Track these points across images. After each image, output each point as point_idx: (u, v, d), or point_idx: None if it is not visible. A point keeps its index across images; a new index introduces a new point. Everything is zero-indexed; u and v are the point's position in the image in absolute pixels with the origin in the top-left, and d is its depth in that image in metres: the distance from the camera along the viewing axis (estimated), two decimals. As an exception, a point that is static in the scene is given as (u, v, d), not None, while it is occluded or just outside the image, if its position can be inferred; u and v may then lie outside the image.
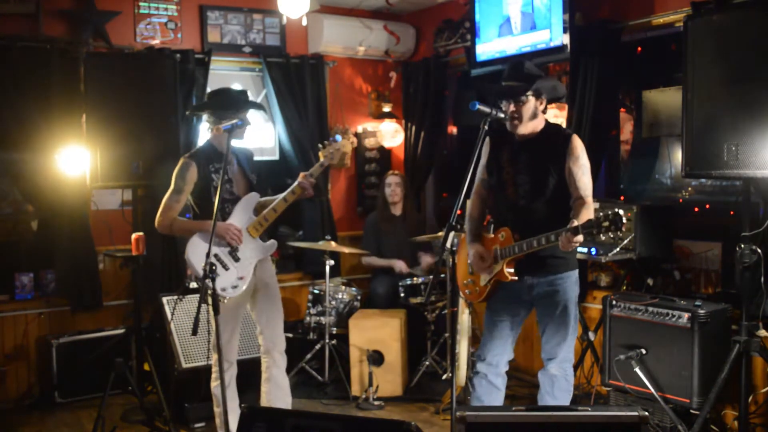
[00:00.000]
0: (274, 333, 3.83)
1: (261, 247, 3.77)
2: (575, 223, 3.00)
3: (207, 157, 3.71)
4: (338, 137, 3.84)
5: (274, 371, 3.83)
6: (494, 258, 3.40)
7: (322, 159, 3.79)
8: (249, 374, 4.16)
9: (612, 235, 2.95)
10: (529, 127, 3.33)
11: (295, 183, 3.73)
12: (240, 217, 3.73)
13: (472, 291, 3.56)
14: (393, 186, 5.63)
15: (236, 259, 3.69)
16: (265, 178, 4.99)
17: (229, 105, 3.69)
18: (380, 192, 5.77)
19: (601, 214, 2.94)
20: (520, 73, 3.31)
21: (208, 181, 3.68)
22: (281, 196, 3.75)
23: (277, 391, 3.83)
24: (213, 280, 3.21)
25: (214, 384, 3.76)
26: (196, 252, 3.60)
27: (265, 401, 3.84)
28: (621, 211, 2.90)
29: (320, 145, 3.85)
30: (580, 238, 2.99)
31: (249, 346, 4.57)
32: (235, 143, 3.70)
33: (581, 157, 3.29)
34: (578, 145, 3.31)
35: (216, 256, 3.63)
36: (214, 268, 3.23)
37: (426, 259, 5.52)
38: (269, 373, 3.84)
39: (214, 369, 3.78)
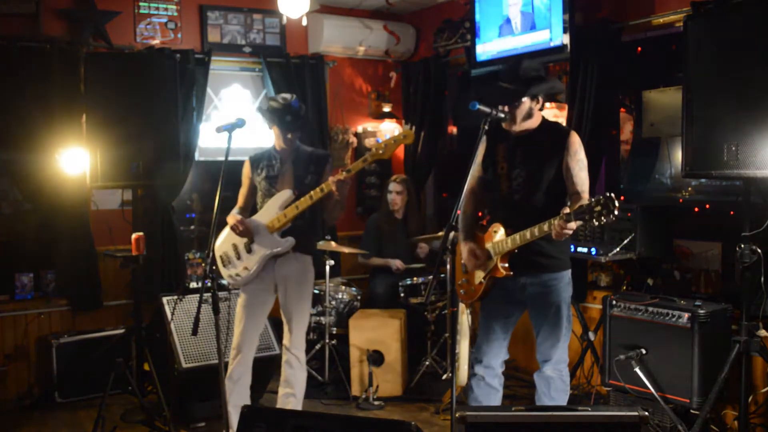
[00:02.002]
0: (290, 331, 3.93)
1: (274, 242, 3.83)
2: (567, 210, 2.98)
3: (262, 156, 3.98)
4: (405, 127, 3.80)
5: (285, 367, 3.94)
6: (487, 254, 3.40)
7: (372, 150, 3.66)
8: (253, 373, 4.15)
9: (605, 220, 2.87)
10: (523, 125, 3.34)
11: (327, 180, 3.69)
12: (266, 213, 3.87)
13: (467, 290, 3.55)
14: (394, 194, 5.62)
15: (249, 251, 3.88)
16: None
17: (269, 116, 3.87)
18: (383, 194, 5.76)
19: (593, 199, 2.89)
20: (515, 76, 3.30)
21: (256, 177, 3.96)
22: (309, 193, 3.75)
23: (287, 388, 3.93)
24: (213, 279, 3.24)
25: (226, 374, 3.83)
26: (219, 243, 4.01)
27: (279, 393, 3.96)
28: (613, 194, 2.84)
29: (377, 140, 3.84)
30: (572, 225, 2.97)
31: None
32: (299, 143, 4.00)
33: (579, 152, 3.28)
34: (576, 140, 3.30)
35: (234, 245, 3.92)
36: (214, 268, 3.28)
37: (423, 247, 5.53)
38: (283, 368, 3.95)
39: (231, 362, 3.87)
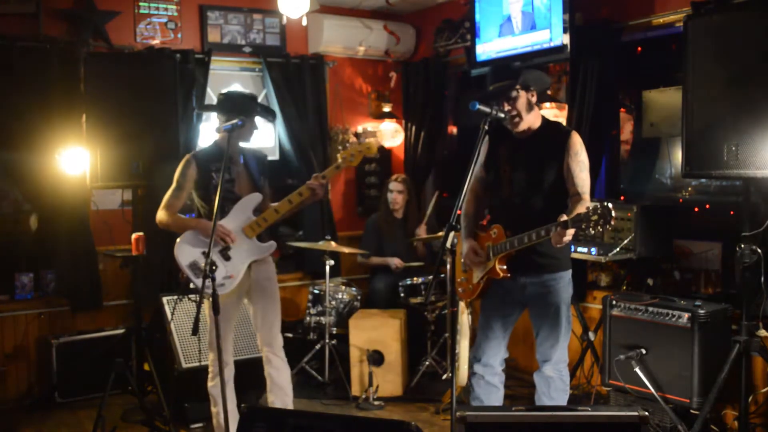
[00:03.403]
0: (269, 333, 3.83)
1: (256, 247, 3.75)
2: (564, 217, 2.98)
3: (209, 157, 3.75)
4: (371, 139, 3.82)
5: (271, 371, 3.85)
6: (486, 255, 3.40)
7: (339, 160, 3.74)
8: (248, 374, 4.15)
9: (602, 229, 2.89)
10: (528, 121, 3.33)
11: (304, 185, 3.69)
12: (236, 217, 3.72)
13: (465, 289, 3.56)
14: (395, 193, 5.62)
15: (227, 258, 3.70)
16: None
17: (238, 109, 3.69)
18: (383, 194, 5.76)
19: (590, 208, 2.91)
20: (503, 73, 3.33)
21: (208, 180, 3.72)
22: (287, 197, 3.73)
23: (277, 391, 3.86)
24: (213, 280, 3.21)
25: (211, 384, 3.76)
26: (183, 251, 3.71)
27: (268, 401, 3.88)
28: (610, 205, 2.86)
29: (340, 148, 3.84)
30: (571, 232, 2.98)
31: (248, 346, 4.57)
32: (247, 144, 3.83)
33: (580, 153, 3.28)
34: (577, 141, 3.29)
35: (204, 253, 3.59)
36: (214, 268, 3.23)
37: (422, 228, 5.56)
38: (267, 372, 3.87)
39: (211, 369, 3.78)
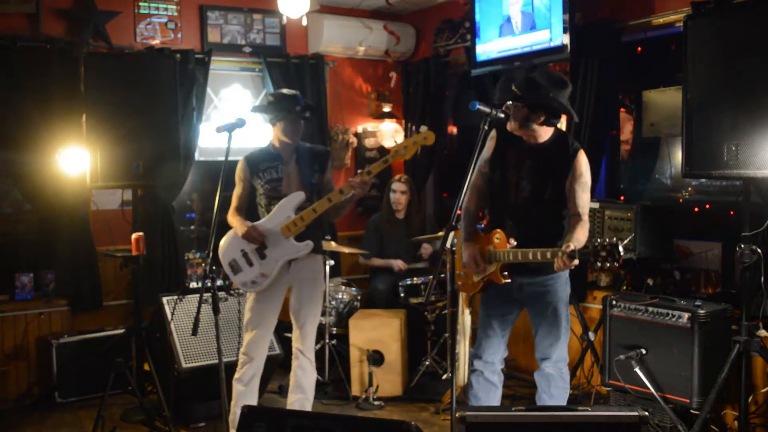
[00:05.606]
0: (302, 334, 3.87)
1: (292, 247, 3.75)
2: (572, 246, 3.00)
3: (260, 157, 3.85)
4: (423, 127, 3.53)
5: (297, 371, 3.88)
6: (487, 259, 3.41)
7: (390, 153, 3.62)
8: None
9: (608, 266, 2.94)
10: (523, 132, 3.33)
11: (346, 182, 3.66)
12: (276, 216, 3.75)
13: (464, 283, 3.58)
14: (398, 194, 5.62)
15: (262, 257, 3.75)
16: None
17: (282, 107, 3.75)
18: (385, 195, 5.76)
19: (598, 242, 2.94)
20: (527, 84, 3.29)
21: (257, 180, 3.83)
22: (327, 195, 3.70)
23: (298, 392, 3.88)
24: (213, 279, 3.23)
25: (236, 376, 3.81)
26: (224, 250, 3.82)
27: (288, 400, 3.91)
28: (620, 246, 2.89)
29: (395, 141, 3.75)
30: (576, 261, 3.02)
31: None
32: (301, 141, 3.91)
33: (584, 174, 3.30)
34: (583, 162, 3.31)
35: (243, 251, 3.77)
36: (214, 268, 3.26)
37: (427, 248, 5.55)
38: (293, 370, 3.90)
39: (241, 367, 3.82)
